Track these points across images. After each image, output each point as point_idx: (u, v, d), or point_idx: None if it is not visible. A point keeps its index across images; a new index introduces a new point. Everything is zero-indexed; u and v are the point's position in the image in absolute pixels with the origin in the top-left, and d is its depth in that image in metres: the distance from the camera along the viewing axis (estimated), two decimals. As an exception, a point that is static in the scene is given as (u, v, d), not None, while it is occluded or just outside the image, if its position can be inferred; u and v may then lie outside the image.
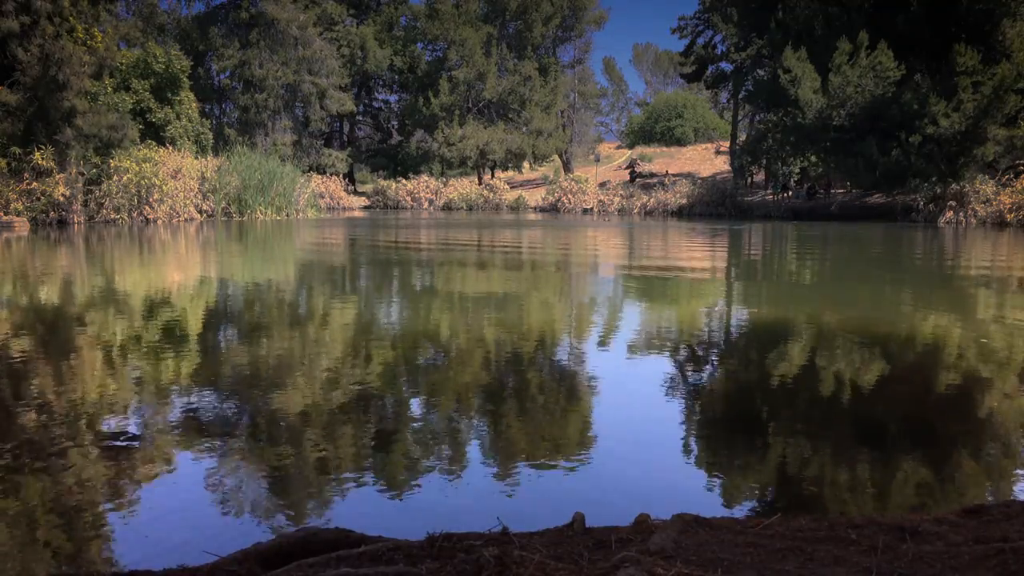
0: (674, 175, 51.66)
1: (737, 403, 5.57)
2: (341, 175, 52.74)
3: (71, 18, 25.95)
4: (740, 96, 47.43)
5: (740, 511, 3.52)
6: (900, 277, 13.86)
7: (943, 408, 5.39)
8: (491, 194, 50.90)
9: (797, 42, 34.57)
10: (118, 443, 4.38)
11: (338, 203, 47.37)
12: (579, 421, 4.95)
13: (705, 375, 6.36)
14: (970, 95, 30.05)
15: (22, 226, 24.33)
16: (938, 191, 31.49)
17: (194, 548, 2.86)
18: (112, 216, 26.81)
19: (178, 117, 33.87)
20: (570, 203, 46.37)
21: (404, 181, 52.71)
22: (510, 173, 60.63)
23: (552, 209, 46.86)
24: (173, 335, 7.73)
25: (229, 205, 32.19)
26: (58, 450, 4.23)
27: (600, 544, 2.55)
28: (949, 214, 30.65)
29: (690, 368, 6.55)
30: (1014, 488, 3.88)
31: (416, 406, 5.30)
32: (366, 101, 63.13)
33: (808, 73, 33.76)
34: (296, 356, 6.71)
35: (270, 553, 2.52)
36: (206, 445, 4.33)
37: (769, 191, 43.13)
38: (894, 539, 2.57)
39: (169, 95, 33.72)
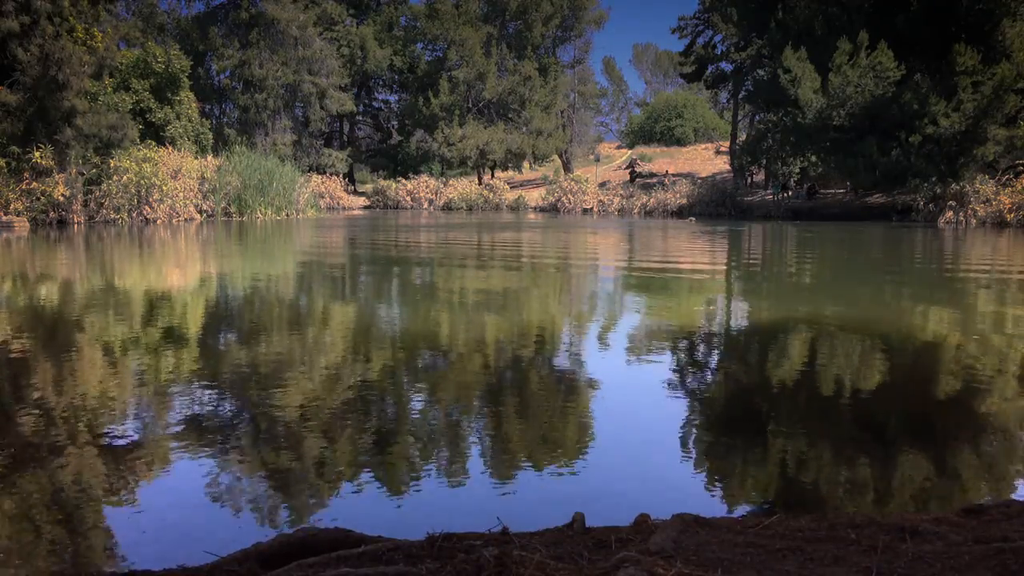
0: (674, 175, 51.63)
1: (737, 403, 5.57)
2: (341, 175, 52.65)
3: (71, 18, 25.94)
4: (740, 96, 47.37)
5: (740, 511, 3.52)
6: (900, 278, 13.86)
7: (943, 408, 5.39)
8: (491, 194, 50.84)
9: (797, 42, 34.53)
10: (118, 443, 4.38)
11: (338, 203, 47.32)
12: (579, 421, 4.95)
13: (705, 375, 6.36)
14: (970, 95, 30.02)
15: (22, 226, 24.32)
16: (938, 191, 31.45)
17: (194, 548, 2.86)
18: (112, 216, 26.80)
19: (178, 117, 33.84)
20: (570, 203, 46.31)
21: (404, 181, 52.63)
22: (510, 173, 60.57)
23: (552, 209, 46.82)
24: (173, 335, 7.73)
25: (229, 205, 32.18)
26: (58, 450, 4.23)
27: (600, 544, 2.55)
28: (949, 214, 30.61)
29: (690, 368, 6.55)
30: (1014, 488, 3.88)
31: (416, 406, 5.30)
32: (366, 101, 63.07)
33: (808, 73, 33.73)
34: (296, 356, 6.71)
35: (270, 553, 2.52)
36: (206, 445, 4.33)
37: (769, 191, 43.10)
38: (894, 539, 2.57)
39: (169, 95, 33.69)
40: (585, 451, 4.34)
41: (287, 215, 34.40)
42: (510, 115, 56.20)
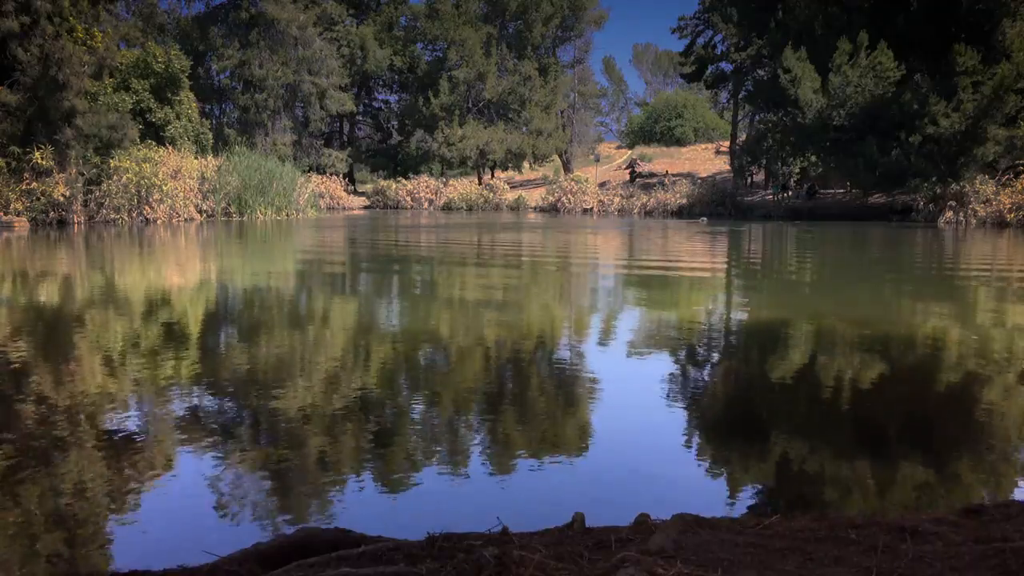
0: (674, 175, 51.60)
1: (737, 403, 5.57)
2: (341, 175, 52.63)
3: (71, 18, 25.93)
4: (740, 96, 47.34)
5: (740, 511, 3.52)
6: (900, 279, 13.86)
7: (943, 408, 5.39)
8: (491, 194, 50.81)
9: (797, 42, 34.53)
10: (118, 442, 4.38)
11: (338, 203, 47.31)
12: (579, 421, 4.95)
13: (705, 375, 6.36)
14: (970, 95, 30.02)
15: (22, 226, 24.32)
16: (938, 191, 31.45)
17: (194, 548, 2.86)
18: (112, 216, 26.79)
19: (178, 117, 33.83)
20: (570, 203, 46.29)
21: (404, 181, 52.63)
22: (510, 173, 60.51)
23: (552, 209, 46.81)
24: (173, 335, 7.73)
25: (229, 205, 32.17)
26: (58, 449, 4.23)
27: (600, 544, 2.55)
28: (949, 214, 30.62)
29: (690, 368, 6.55)
30: (1014, 488, 3.88)
31: (417, 406, 5.30)
32: (366, 101, 63.03)
33: (808, 73, 33.73)
34: (296, 356, 6.71)
35: (270, 553, 2.52)
36: (206, 445, 4.33)
37: (769, 191, 43.09)
38: (894, 539, 2.57)
39: (169, 95, 33.67)
40: (585, 451, 4.34)
41: (287, 215, 34.40)
42: (510, 115, 56.18)
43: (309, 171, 45.45)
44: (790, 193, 41.35)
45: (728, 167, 48.80)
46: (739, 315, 9.70)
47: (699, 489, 3.82)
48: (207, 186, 31.12)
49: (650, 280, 13.24)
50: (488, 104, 55.49)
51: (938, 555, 2.42)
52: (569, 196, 46.82)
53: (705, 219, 36.61)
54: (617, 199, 45.63)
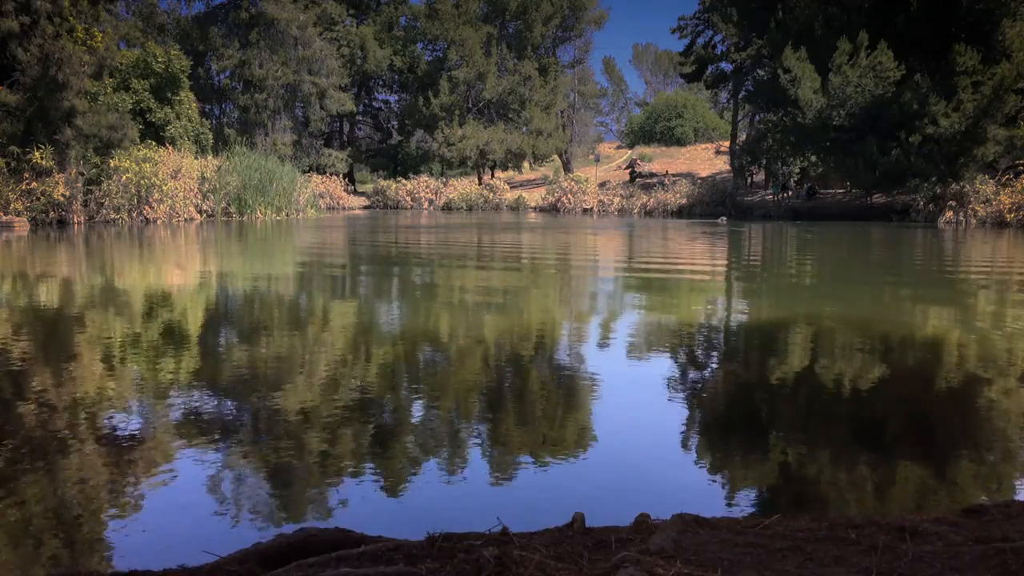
0: (674, 175, 51.59)
1: (737, 403, 5.57)
2: (341, 175, 52.64)
3: (71, 18, 25.95)
4: (740, 96, 47.36)
5: (740, 511, 3.52)
6: (900, 279, 13.87)
7: (942, 408, 5.39)
8: (491, 194, 50.81)
9: (797, 42, 34.54)
10: (118, 442, 4.38)
11: (338, 203, 47.34)
12: (579, 421, 4.95)
13: (706, 375, 6.36)
14: (970, 95, 30.03)
15: (22, 226, 24.31)
16: (938, 191, 31.47)
17: (194, 548, 2.86)
18: (112, 216, 26.80)
19: (178, 117, 33.83)
20: (570, 203, 46.29)
21: (404, 181, 52.65)
22: (510, 173, 60.52)
23: (552, 209, 46.81)
24: (173, 335, 7.73)
25: (229, 205, 32.18)
26: (58, 449, 4.23)
27: (600, 544, 2.55)
28: (949, 214, 30.63)
29: (691, 368, 6.55)
30: (1014, 488, 3.88)
31: (417, 406, 5.30)
32: (366, 101, 63.04)
33: (808, 73, 33.74)
34: (296, 356, 6.71)
35: (270, 553, 2.52)
36: (206, 445, 4.33)
37: (769, 191, 43.09)
38: (894, 539, 2.57)
39: (169, 95, 33.68)
40: (585, 451, 4.34)
41: (287, 215, 34.41)
42: (510, 115, 56.20)
43: (309, 171, 45.48)
44: (790, 193, 41.36)
45: (728, 167, 48.80)
46: (740, 316, 9.70)
47: (699, 489, 3.82)
48: (207, 186, 31.13)
49: (651, 281, 13.24)
50: (488, 104, 55.51)
51: (938, 555, 2.42)
52: (569, 196, 46.82)
53: (725, 219, 36.37)
54: (617, 199, 45.64)
